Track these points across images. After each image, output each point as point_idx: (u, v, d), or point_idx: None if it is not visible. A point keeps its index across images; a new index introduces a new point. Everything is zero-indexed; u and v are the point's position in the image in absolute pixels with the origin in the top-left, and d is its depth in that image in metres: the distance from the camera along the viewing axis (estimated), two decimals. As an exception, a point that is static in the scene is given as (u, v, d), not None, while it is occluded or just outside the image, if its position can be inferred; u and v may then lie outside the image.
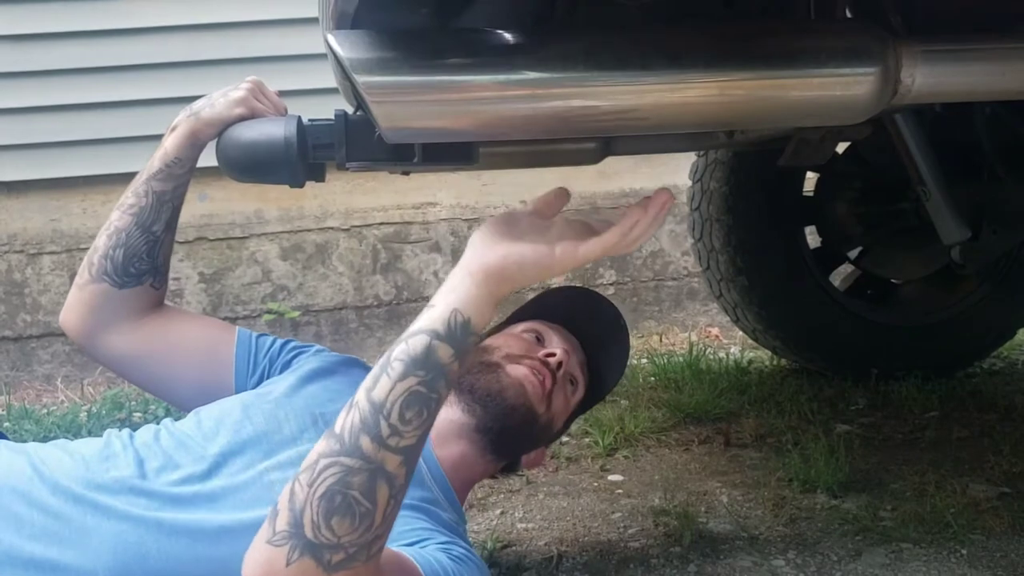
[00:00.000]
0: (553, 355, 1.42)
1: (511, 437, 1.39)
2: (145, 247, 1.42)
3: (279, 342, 1.50)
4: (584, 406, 1.54)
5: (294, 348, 1.49)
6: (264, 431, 1.26)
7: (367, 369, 1.14)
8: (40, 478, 1.15)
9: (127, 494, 1.15)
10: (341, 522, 0.93)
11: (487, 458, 1.40)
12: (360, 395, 0.97)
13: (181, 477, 1.19)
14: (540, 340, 1.47)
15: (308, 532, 0.93)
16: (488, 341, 1.46)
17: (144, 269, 1.43)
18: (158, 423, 1.30)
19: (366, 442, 0.95)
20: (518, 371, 1.39)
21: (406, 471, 0.97)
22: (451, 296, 1.00)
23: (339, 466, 0.94)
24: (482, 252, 1.02)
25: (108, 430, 1.28)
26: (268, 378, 1.45)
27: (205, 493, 1.17)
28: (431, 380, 0.97)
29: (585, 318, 1.55)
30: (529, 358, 1.41)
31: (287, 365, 1.46)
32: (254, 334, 1.50)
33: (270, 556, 0.94)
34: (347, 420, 0.96)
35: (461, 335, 0.99)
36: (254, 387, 1.43)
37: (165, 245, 1.45)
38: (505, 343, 1.45)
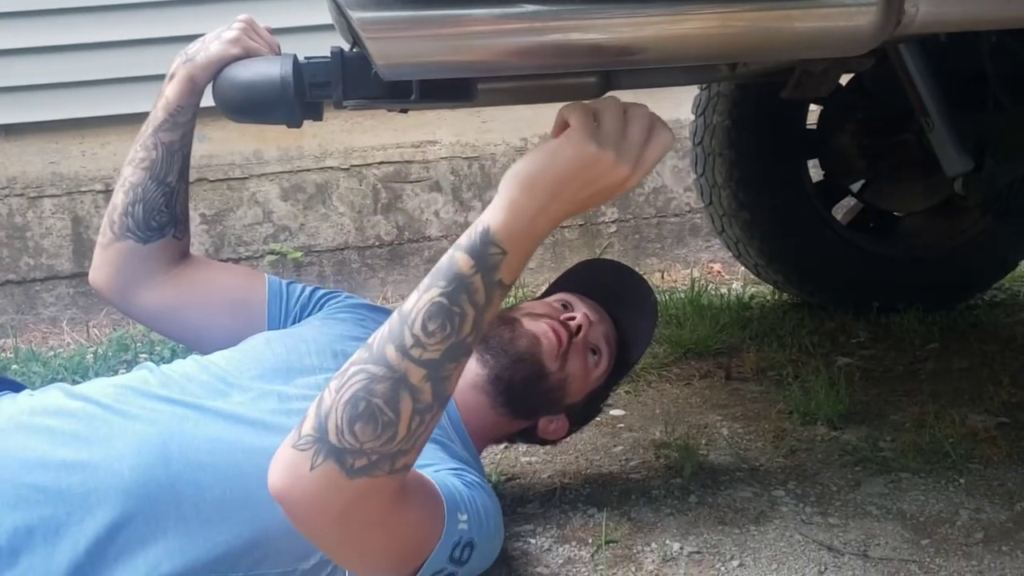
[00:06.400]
0: (573, 318, 1.47)
1: (521, 389, 1.43)
2: (163, 199, 1.45)
3: (308, 289, 1.54)
4: (609, 383, 1.58)
5: (324, 295, 1.54)
6: (285, 360, 1.32)
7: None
8: (71, 397, 1.22)
9: (152, 401, 1.21)
10: (364, 428, 0.96)
11: (499, 410, 1.44)
12: (395, 311, 1.00)
13: (203, 392, 1.24)
14: (567, 308, 1.52)
15: (332, 436, 0.96)
16: (519, 305, 1.53)
17: (165, 221, 1.46)
18: (184, 357, 1.35)
19: (390, 351, 0.97)
20: (534, 326, 1.45)
21: (431, 388, 0.98)
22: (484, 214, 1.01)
23: (365, 373, 0.97)
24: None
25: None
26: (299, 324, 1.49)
27: (225, 409, 1.22)
28: (452, 292, 0.98)
29: (618, 294, 1.59)
30: (549, 317, 1.47)
31: (316, 310, 1.51)
32: (283, 281, 1.54)
33: (295, 460, 0.97)
34: (379, 332, 0.99)
35: (480, 244, 0.98)
36: None
37: (181, 194, 1.47)
38: (532, 306, 1.52)
